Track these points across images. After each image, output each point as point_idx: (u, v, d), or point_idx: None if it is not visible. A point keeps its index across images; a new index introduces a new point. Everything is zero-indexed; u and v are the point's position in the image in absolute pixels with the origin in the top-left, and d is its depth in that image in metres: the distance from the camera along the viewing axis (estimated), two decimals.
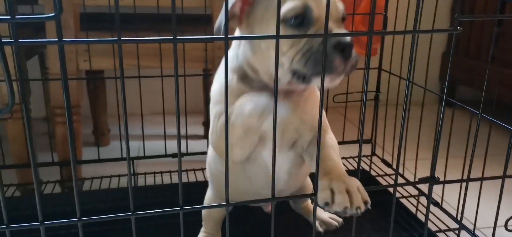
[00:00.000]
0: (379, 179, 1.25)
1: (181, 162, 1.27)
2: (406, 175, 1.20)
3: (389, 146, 1.27)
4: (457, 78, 2.06)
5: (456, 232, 0.97)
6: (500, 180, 0.73)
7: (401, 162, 1.20)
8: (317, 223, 0.97)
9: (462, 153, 0.95)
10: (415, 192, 1.14)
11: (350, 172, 1.25)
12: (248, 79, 0.68)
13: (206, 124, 1.65)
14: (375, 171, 1.27)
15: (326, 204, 0.56)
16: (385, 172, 1.25)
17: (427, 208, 0.65)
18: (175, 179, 1.22)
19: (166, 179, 1.22)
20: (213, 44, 1.16)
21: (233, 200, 0.59)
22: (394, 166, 1.26)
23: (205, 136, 1.63)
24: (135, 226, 0.56)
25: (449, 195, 1.05)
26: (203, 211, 0.90)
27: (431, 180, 0.59)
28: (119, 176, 1.20)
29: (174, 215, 0.60)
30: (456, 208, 0.99)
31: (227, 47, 0.49)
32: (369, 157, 1.33)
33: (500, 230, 0.80)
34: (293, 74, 0.61)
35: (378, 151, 1.35)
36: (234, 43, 0.71)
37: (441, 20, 1.91)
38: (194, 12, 1.23)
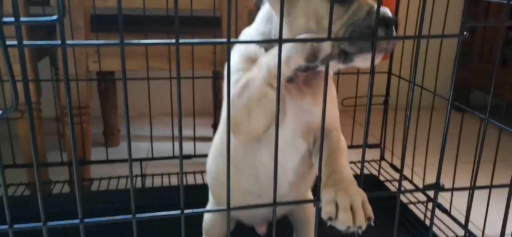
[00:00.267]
0: (388, 184, 1.24)
1: (189, 164, 1.28)
2: (415, 180, 1.19)
3: (398, 151, 1.26)
4: (471, 82, 2.04)
5: None
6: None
7: (409, 166, 1.18)
8: None
9: (472, 159, 0.93)
10: (423, 198, 1.13)
11: (356, 177, 1.25)
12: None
13: (215, 126, 1.65)
14: (384, 176, 1.26)
15: (330, 218, 0.54)
16: (393, 177, 1.24)
17: (432, 215, 0.64)
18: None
19: (174, 181, 1.23)
20: (222, 47, 1.16)
21: (235, 204, 0.58)
22: (403, 172, 1.25)
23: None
24: (137, 228, 0.56)
25: (459, 202, 1.04)
26: (203, 228, 0.88)
27: (436, 187, 0.58)
28: (127, 177, 1.21)
29: (178, 217, 0.60)
30: (465, 214, 0.97)
31: (229, 50, 0.49)
32: (378, 162, 1.32)
33: None
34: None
35: (388, 156, 1.34)
36: (261, 19, 0.67)
37: (453, 24, 1.88)
38: (203, 14, 1.24)
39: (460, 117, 1.04)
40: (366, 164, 1.32)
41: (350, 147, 1.30)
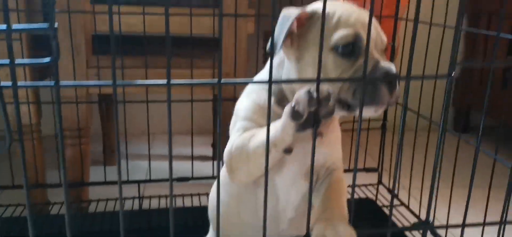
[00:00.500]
0: (385, 209, 1.23)
1: (187, 186, 1.28)
2: (412, 204, 1.19)
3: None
4: (471, 104, 2.04)
5: None
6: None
7: (407, 188, 1.18)
8: None
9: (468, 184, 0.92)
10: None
11: (354, 201, 1.25)
12: (286, 102, 0.65)
13: (215, 146, 1.66)
14: (381, 201, 1.26)
15: None
16: (389, 202, 1.24)
17: None
18: (179, 203, 1.23)
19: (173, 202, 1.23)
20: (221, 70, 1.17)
21: None
22: (400, 196, 1.25)
23: (214, 158, 1.64)
24: None
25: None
26: None
27: (425, 226, 0.59)
28: (124, 198, 1.21)
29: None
30: None
31: (220, 90, 0.50)
32: (376, 186, 1.32)
33: None
34: (339, 102, 0.60)
35: (386, 179, 1.34)
36: (275, 64, 0.68)
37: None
38: (203, 35, 1.25)
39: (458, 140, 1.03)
40: (363, 188, 1.32)
41: (347, 170, 1.31)
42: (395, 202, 1.24)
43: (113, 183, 1.19)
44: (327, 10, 0.60)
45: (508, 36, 0.80)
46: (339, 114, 0.63)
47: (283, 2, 1.28)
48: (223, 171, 0.76)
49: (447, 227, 0.72)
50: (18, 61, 0.44)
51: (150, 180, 1.23)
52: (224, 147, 0.68)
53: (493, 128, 2.18)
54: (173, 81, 0.48)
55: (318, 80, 0.51)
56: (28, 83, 0.47)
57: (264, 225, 0.54)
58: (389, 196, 1.27)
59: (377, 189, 1.31)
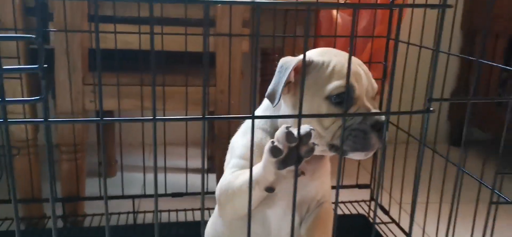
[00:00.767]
0: (377, 227, 1.25)
1: (181, 201, 1.30)
2: (403, 219, 1.20)
3: (387, 192, 1.27)
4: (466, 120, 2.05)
5: None
6: None
7: (398, 202, 1.20)
8: None
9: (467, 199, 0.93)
10: None
11: (345, 217, 1.26)
12: None
13: (211, 159, 1.68)
14: (372, 219, 1.27)
15: None
16: (381, 220, 1.25)
17: None
18: (173, 217, 1.25)
19: (165, 217, 1.25)
20: (215, 88, 1.19)
21: None
22: (392, 213, 1.26)
23: (209, 171, 1.65)
24: None
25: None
26: None
27: None
28: (119, 213, 1.23)
29: None
30: None
31: (204, 126, 0.51)
32: (368, 203, 1.33)
33: None
34: (331, 147, 0.65)
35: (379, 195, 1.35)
36: (268, 105, 0.72)
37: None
38: (198, 50, 1.27)
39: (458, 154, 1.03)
40: (356, 204, 1.33)
41: (341, 187, 1.32)
42: (387, 219, 1.26)
43: (109, 198, 1.20)
44: (322, 59, 0.65)
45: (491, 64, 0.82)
46: (330, 154, 0.67)
47: (278, 23, 1.30)
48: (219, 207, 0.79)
49: None
50: (8, 99, 0.45)
51: (144, 195, 1.24)
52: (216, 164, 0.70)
53: (488, 142, 2.20)
54: (157, 116, 0.50)
55: (300, 116, 0.53)
56: (19, 120, 0.49)
57: None
58: (381, 213, 1.28)
59: (369, 206, 1.32)
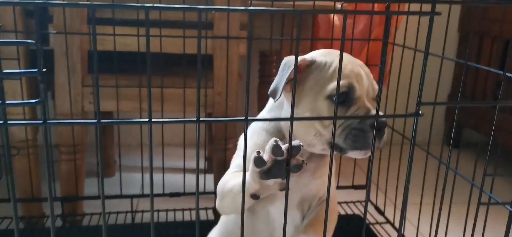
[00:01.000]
0: (372, 227, 1.26)
1: (179, 201, 1.31)
2: (398, 219, 1.21)
3: (382, 193, 1.29)
4: (463, 121, 2.07)
5: None
6: None
7: (394, 205, 1.21)
8: None
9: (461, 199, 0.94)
10: None
11: (342, 217, 1.28)
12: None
13: (208, 160, 1.69)
14: (368, 220, 1.29)
15: None
16: (376, 220, 1.27)
17: None
18: (170, 217, 1.26)
19: (163, 217, 1.27)
20: (213, 90, 1.21)
21: None
22: (387, 214, 1.28)
23: (207, 171, 1.67)
24: None
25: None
26: None
27: None
28: (117, 212, 1.24)
29: None
30: None
31: (198, 131, 0.53)
32: (364, 203, 1.34)
33: None
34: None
35: (375, 196, 1.37)
36: (273, 105, 0.74)
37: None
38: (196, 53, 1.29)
39: (456, 155, 1.04)
40: (352, 205, 1.35)
41: (338, 187, 1.34)
42: (382, 219, 1.27)
43: (108, 197, 1.22)
44: (325, 59, 0.67)
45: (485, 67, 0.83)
46: (329, 152, 0.67)
47: (276, 25, 1.32)
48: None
49: None
50: (8, 102, 0.47)
51: (143, 195, 1.26)
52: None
53: (484, 144, 2.21)
54: (153, 118, 0.51)
55: (292, 119, 0.54)
56: (19, 122, 0.50)
57: None
58: (376, 214, 1.30)
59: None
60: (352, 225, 1.28)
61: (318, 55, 0.69)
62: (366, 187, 1.30)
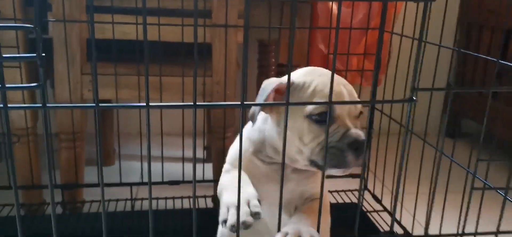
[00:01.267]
0: (369, 215, 1.28)
1: (177, 189, 1.32)
2: (400, 211, 1.23)
3: (379, 181, 1.30)
4: (462, 111, 2.07)
5: None
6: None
7: (391, 193, 1.22)
8: None
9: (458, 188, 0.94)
10: (401, 230, 1.17)
11: (338, 205, 1.29)
12: (262, 154, 0.76)
13: (207, 149, 1.70)
14: (365, 207, 1.30)
15: None
16: (373, 208, 1.28)
17: None
18: (169, 204, 1.28)
19: (162, 204, 1.28)
20: (212, 79, 1.21)
21: None
22: (384, 202, 1.29)
23: (206, 160, 1.68)
24: None
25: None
26: None
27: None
28: (117, 200, 1.26)
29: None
30: None
31: (195, 116, 0.54)
32: (361, 192, 1.36)
33: None
34: (311, 163, 0.68)
35: (371, 184, 1.38)
36: (261, 118, 0.77)
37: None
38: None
39: (452, 144, 1.04)
40: (349, 193, 1.36)
41: (334, 176, 1.35)
42: (379, 207, 1.29)
43: (107, 185, 1.23)
44: (304, 80, 0.69)
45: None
46: (310, 169, 0.71)
47: (275, 14, 1.32)
48: None
49: None
50: (8, 85, 0.48)
51: (142, 183, 1.27)
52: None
53: (484, 134, 2.22)
54: (151, 103, 0.52)
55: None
56: (19, 106, 0.51)
57: None
58: (374, 202, 1.31)
59: (362, 195, 1.35)
60: (349, 213, 1.29)
61: (297, 76, 0.71)
62: (361, 176, 1.32)
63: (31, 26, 0.47)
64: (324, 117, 0.65)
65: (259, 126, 0.75)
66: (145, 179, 1.29)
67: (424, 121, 1.07)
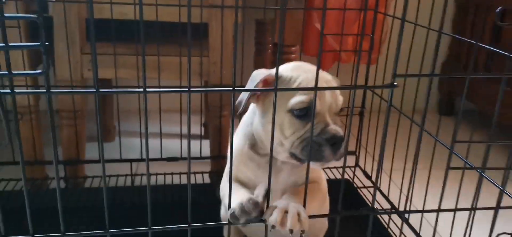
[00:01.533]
0: (360, 191, 1.33)
1: (176, 165, 1.37)
2: (384, 184, 1.27)
3: (370, 158, 1.35)
4: (456, 90, 2.11)
5: None
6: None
7: (386, 172, 1.27)
8: None
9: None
10: (389, 205, 1.22)
11: (331, 181, 1.33)
12: (256, 147, 0.79)
13: (205, 126, 1.75)
14: (356, 184, 1.35)
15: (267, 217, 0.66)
16: (363, 184, 1.33)
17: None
18: (168, 180, 1.33)
19: (162, 180, 1.33)
20: (208, 59, 1.25)
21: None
22: (374, 178, 1.33)
23: (204, 137, 1.72)
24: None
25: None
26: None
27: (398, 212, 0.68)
28: (117, 176, 1.31)
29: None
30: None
31: (189, 101, 0.57)
32: (353, 169, 1.41)
33: None
34: (291, 155, 0.72)
35: (363, 162, 1.43)
36: (250, 111, 0.81)
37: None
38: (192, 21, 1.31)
39: (444, 122, 1.07)
40: (341, 170, 1.41)
41: None
42: (369, 183, 1.34)
43: (108, 161, 1.28)
44: (290, 74, 0.73)
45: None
46: (291, 161, 0.75)
47: None
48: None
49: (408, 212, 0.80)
50: (15, 72, 0.51)
51: (142, 159, 1.32)
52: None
53: (478, 114, 2.27)
54: (149, 85, 0.56)
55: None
56: (25, 91, 0.55)
57: None
58: (364, 178, 1.36)
59: (354, 171, 1.40)
60: (340, 188, 1.34)
61: (285, 70, 0.74)
62: (355, 153, 1.36)
63: (35, 16, 0.50)
64: (305, 112, 0.69)
65: (250, 120, 0.79)
66: (145, 156, 1.33)
67: (418, 99, 1.10)
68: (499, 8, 0.76)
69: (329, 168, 1.40)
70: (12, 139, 0.57)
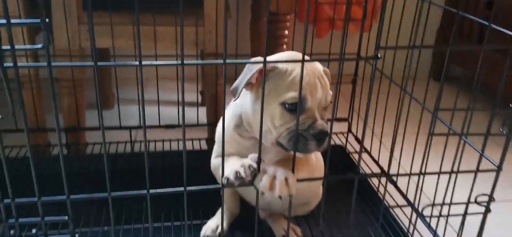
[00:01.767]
0: (351, 156, 1.38)
1: (174, 132, 1.41)
2: (375, 149, 1.32)
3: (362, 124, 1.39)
4: (450, 57, 2.13)
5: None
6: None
7: (373, 137, 1.32)
8: None
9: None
10: (378, 169, 1.27)
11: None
12: (240, 129, 0.83)
13: (202, 93, 1.78)
14: (348, 149, 1.40)
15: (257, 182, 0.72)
16: (355, 150, 1.38)
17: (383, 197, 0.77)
18: (166, 147, 1.37)
19: (160, 146, 1.37)
20: (204, 28, 1.27)
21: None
22: (365, 144, 1.38)
23: (201, 104, 1.76)
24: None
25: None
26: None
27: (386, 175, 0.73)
28: (117, 142, 1.35)
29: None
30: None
31: (183, 71, 0.61)
32: (345, 135, 1.45)
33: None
34: (278, 144, 0.77)
35: (355, 128, 1.47)
36: (242, 93, 0.82)
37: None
38: None
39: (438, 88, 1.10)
40: (334, 136, 1.45)
41: None
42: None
43: (108, 128, 1.32)
44: (286, 67, 0.75)
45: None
46: (276, 148, 0.79)
47: None
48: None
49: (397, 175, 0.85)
50: (17, 47, 0.54)
51: (140, 127, 1.36)
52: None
53: (468, 79, 2.30)
54: (144, 62, 0.59)
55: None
56: (27, 64, 0.58)
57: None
58: (356, 144, 1.41)
59: (346, 137, 1.44)
60: (334, 154, 1.39)
61: (281, 61, 0.76)
62: (348, 119, 1.40)
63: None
64: (296, 106, 0.72)
65: (240, 100, 0.82)
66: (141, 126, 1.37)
67: (413, 65, 1.12)
68: None
69: None
70: (14, 108, 0.61)
